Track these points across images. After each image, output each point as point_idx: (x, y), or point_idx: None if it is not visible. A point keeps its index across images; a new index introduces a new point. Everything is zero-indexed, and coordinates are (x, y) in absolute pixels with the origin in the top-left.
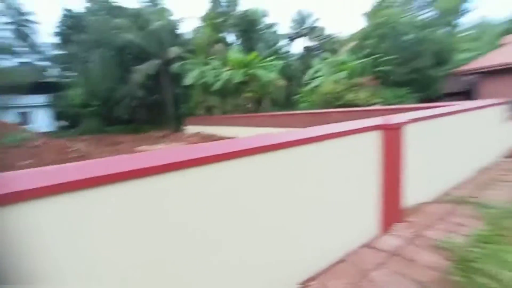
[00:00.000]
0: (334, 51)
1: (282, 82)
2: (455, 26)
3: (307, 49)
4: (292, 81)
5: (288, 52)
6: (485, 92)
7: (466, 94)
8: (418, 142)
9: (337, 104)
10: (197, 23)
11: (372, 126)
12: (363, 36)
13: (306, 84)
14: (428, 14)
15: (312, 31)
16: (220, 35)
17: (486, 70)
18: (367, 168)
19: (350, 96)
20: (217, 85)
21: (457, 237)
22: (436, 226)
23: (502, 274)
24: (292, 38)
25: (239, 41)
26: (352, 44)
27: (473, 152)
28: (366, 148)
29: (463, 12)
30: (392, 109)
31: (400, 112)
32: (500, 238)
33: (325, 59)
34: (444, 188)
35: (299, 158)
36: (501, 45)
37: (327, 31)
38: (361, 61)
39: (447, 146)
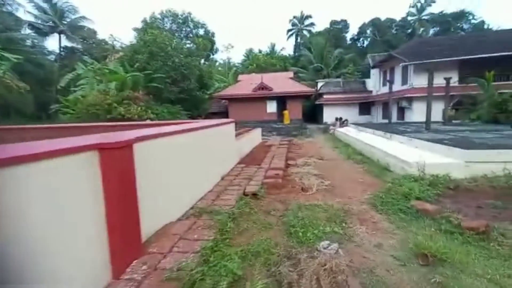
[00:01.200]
0: (103, 58)
1: (20, 84)
2: (210, 60)
3: (67, 50)
4: (47, 86)
5: (36, 47)
6: (232, 113)
7: (224, 114)
8: (156, 159)
9: (108, 117)
10: None
11: (84, 146)
12: (134, 49)
13: (68, 91)
14: (190, 45)
15: (74, 30)
16: None
17: (230, 97)
18: (80, 201)
19: (121, 110)
20: None
21: (190, 257)
22: (175, 250)
23: (220, 284)
24: (43, 31)
25: None
26: (121, 54)
27: (215, 162)
28: (76, 175)
29: (216, 50)
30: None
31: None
32: (224, 245)
33: (91, 64)
34: (190, 202)
35: None
36: (238, 81)
37: (98, 35)
38: (132, 74)
39: (190, 160)
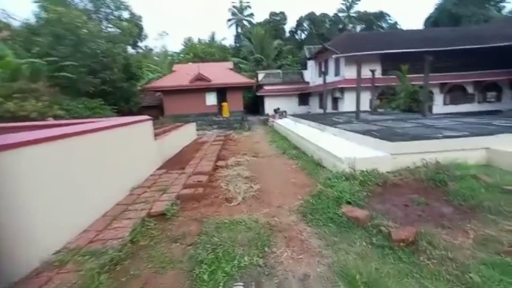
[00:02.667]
0: None
1: None
2: (144, 48)
3: None
4: None
5: None
6: (168, 107)
7: (159, 107)
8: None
9: None
10: None
11: None
12: (31, 30)
13: None
14: (111, 29)
15: None
16: None
17: (165, 89)
18: None
19: (10, 106)
20: None
21: None
22: None
23: None
24: None
25: None
26: (6, 34)
27: (121, 173)
28: None
29: (145, 37)
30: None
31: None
32: None
33: None
34: (60, 240)
35: None
36: (173, 71)
37: None
38: (29, 60)
39: (72, 176)
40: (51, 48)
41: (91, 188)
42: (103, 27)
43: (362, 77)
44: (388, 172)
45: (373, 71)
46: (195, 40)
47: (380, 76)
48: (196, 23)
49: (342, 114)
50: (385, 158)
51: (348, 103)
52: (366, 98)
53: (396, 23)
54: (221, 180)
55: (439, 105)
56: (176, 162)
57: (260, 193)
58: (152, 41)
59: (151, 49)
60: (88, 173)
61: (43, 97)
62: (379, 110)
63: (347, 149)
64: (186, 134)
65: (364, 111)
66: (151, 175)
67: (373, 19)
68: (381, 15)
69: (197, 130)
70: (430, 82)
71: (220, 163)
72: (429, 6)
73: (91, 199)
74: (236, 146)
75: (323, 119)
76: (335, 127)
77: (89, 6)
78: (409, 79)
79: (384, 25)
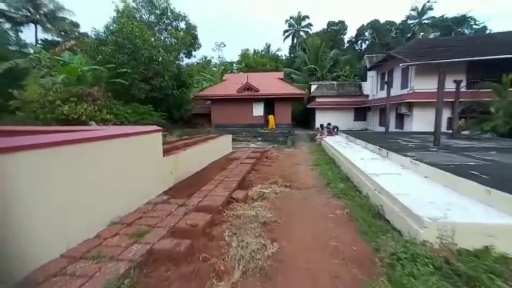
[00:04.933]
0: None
1: None
2: (193, 56)
3: (45, 43)
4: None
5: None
6: (215, 115)
7: (209, 116)
8: None
9: (49, 117)
10: None
11: None
12: (99, 40)
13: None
14: (168, 39)
15: (52, 21)
16: None
17: (212, 97)
18: None
19: (64, 109)
20: None
21: None
22: None
23: None
24: (17, 20)
25: None
26: (73, 43)
27: (106, 196)
28: None
29: (199, 46)
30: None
31: None
32: None
33: (38, 53)
34: None
35: None
36: (224, 80)
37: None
38: (92, 67)
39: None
40: (112, 56)
41: (45, 218)
42: (162, 37)
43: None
44: None
45: (458, 82)
46: (251, 51)
47: (464, 89)
48: (253, 36)
49: (411, 135)
50: None
51: (417, 122)
52: (443, 117)
53: (485, 27)
54: (228, 225)
55: None
56: (189, 185)
57: (275, 263)
58: (210, 52)
59: (208, 60)
60: (50, 197)
61: (97, 101)
62: (464, 132)
63: (427, 197)
64: (216, 147)
65: (442, 133)
66: (147, 202)
67: (452, 25)
68: (463, 20)
69: (241, 141)
70: None
71: (238, 193)
72: None
73: (37, 235)
74: (270, 167)
75: (384, 141)
76: (404, 155)
77: (152, 18)
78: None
79: (467, 31)
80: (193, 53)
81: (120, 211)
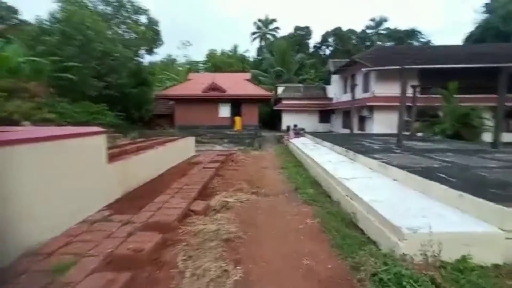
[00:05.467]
0: None
1: None
2: (152, 53)
3: None
4: None
5: None
6: (179, 116)
7: (172, 117)
8: None
9: None
10: None
11: None
12: (41, 28)
13: None
14: (127, 34)
15: None
16: None
17: (176, 97)
18: None
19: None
20: None
21: None
22: None
23: None
24: None
25: None
26: (3, 27)
27: (20, 216)
28: None
29: (161, 43)
30: None
31: None
32: None
33: None
34: None
35: None
36: (188, 79)
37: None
38: (30, 58)
39: None
40: (58, 48)
41: None
42: (121, 31)
43: (395, 95)
44: (498, 266)
45: (415, 87)
46: (218, 52)
47: (418, 95)
48: (224, 37)
49: (373, 136)
50: (492, 238)
51: (377, 124)
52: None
53: (429, 41)
54: (183, 246)
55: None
56: (141, 196)
57: None
58: (175, 50)
59: (173, 58)
60: None
61: (34, 98)
62: (418, 134)
63: (401, 204)
64: (176, 151)
65: (396, 134)
66: (82, 221)
67: (404, 37)
68: (412, 33)
69: (207, 143)
70: (479, 104)
71: (198, 204)
72: (468, 25)
73: None
74: (236, 172)
75: (351, 143)
76: (372, 158)
77: (108, 10)
78: (458, 100)
79: (415, 43)
80: (156, 50)
81: (40, 236)
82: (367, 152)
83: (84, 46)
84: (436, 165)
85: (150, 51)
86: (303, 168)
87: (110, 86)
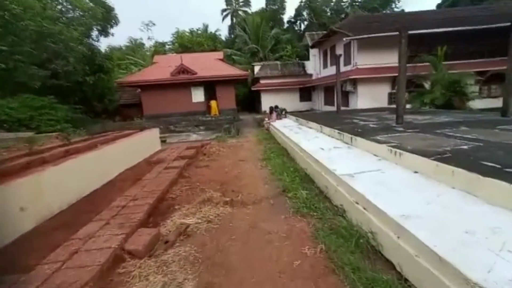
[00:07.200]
0: None
1: None
2: (107, 34)
3: None
4: None
5: None
6: (147, 105)
7: (140, 106)
8: None
9: None
10: None
11: None
12: None
13: None
14: (71, 12)
15: None
16: None
17: (142, 83)
18: None
19: None
20: None
21: None
22: None
23: None
24: None
25: None
26: None
27: None
28: None
29: (116, 21)
30: None
31: None
32: None
33: None
34: None
35: None
36: (154, 63)
37: None
38: None
39: None
40: None
41: None
42: (63, 9)
43: (380, 66)
44: None
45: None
46: (187, 32)
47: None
48: (193, 16)
49: (362, 113)
50: None
51: (362, 99)
52: (384, 91)
53: (403, 11)
54: None
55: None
56: (57, 228)
57: None
58: (138, 32)
59: (140, 42)
60: None
61: None
62: (407, 106)
63: (458, 222)
64: (133, 148)
65: (386, 109)
66: None
67: (378, 7)
68: (386, 3)
69: (181, 133)
70: (463, 70)
71: (139, 238)
72: None
73: None
74: (207, 170)
75: (340, 123)
76: (375, 142)
77: None
78: (446, 67)
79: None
80: (112, 31)
81: None
82: (365, 133)
83: (10, 26)
84: (464, 146)
85: (104, 32)
86: (289, 158)
87: (56, 75)
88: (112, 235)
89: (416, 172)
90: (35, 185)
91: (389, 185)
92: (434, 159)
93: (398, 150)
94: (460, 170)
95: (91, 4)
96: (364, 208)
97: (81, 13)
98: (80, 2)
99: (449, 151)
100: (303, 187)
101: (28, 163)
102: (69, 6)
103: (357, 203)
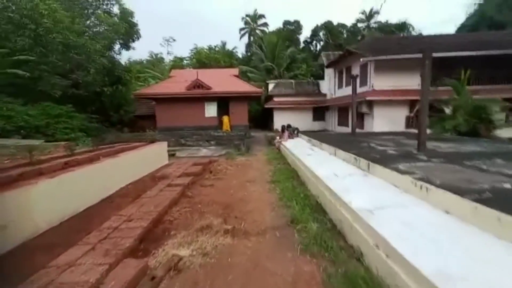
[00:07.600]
0: None
1: None
2: (129, 48)
3: None
4: None
5: None
6: (160, 117)
7: (154, 117)
8: None
9: None
10: None
11: None
12: None
13: None
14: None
15: None
16: None
17: (157, 96)
18: None
19: None
20: None
21: None
22: None
23: None
24: None
25: None
26: None
27: None
28: None
29: (138, 36)
30: None
31: None
32: None
33: None
34: None
35: None
36: (170, 77)
37: None
38: None
39: None
40: (5, 38)
41: None
42: (89, 23)
43: (397, 88)
44: None
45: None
46: (206, 48)
47: (418, 87)
48: (211, 34)
49: (379, 136)
50: None
51: (378, 121)
52: (401, 115)
53: (420, 34)
54: None
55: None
56: (38, 250)
57: None
58: (158, 47)
59: (160, 57)
60: None
61: None
62: (427, 131)
63: None
64: (138, 161)
65: (402, 133)
66: None
67: (395, 30)
68: (403, 26)
69: (191, 146)
70: (491, 96)
71: (123, 271)
72: (458, 19)
73: None
74: (211, 190)
75: (356, 146)
76: (396, 171)
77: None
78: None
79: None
80: (133, 45)
81: None
82: (383, 160)
83: (40, 37)
84: (507, 185)
85: (126, 46)
86: (299, 182)
87: (77, 85)
88: (94, 265)
89: (447, 212)
90: (23, 199)
91: (417, 228)
92: (473, 200)
93: (424, 184)
94: (510, 218)
95: (116, 19)
96: (387, 256)
97: (105, 28)
98: (107, 18)
99: (489, 190)
100: (314, 218)
101: (20, 174)
102: (96, 21)
103: (377, 247)
